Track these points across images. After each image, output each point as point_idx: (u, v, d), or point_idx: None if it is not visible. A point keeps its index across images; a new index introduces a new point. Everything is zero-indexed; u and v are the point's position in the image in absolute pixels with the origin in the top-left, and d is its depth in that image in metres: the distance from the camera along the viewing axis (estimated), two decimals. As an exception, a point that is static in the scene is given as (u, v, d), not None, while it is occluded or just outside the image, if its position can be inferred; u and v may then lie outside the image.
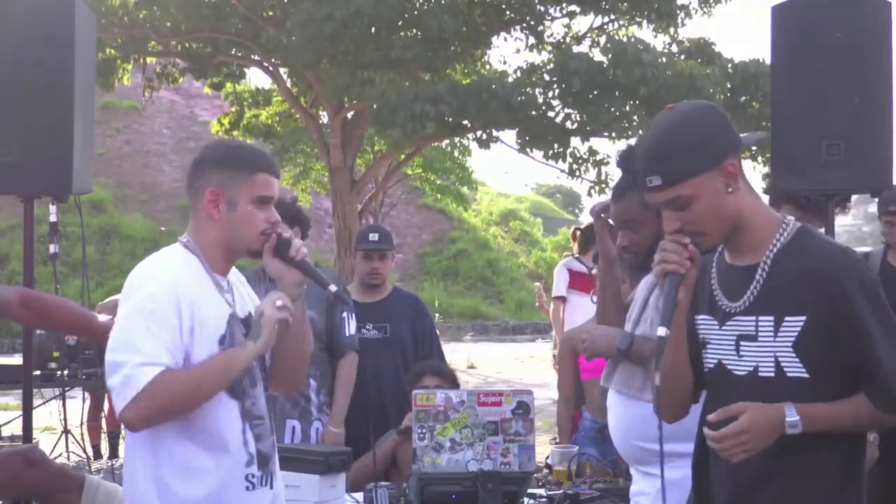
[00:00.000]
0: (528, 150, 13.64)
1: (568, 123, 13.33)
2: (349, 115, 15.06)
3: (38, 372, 7.06)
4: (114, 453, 8.36)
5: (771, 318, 2.22)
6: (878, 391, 2.17)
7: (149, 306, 2.48)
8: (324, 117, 16.05)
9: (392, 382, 4.92)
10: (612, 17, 14.59)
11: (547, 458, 4.36)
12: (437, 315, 19.06)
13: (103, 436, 8.79)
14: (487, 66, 15.81)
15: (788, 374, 2.20)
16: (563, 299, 7.43)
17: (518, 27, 14.77)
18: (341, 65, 13.01)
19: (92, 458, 7.71)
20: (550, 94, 13.07)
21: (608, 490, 3.87)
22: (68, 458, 7.33)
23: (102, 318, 3.42)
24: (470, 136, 14.64)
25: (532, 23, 14.60)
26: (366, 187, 16.87)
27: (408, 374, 4.72)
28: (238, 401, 2.58)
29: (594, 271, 4.79)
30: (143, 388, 2.39)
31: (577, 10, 14.48)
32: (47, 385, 7.53)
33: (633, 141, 10.91)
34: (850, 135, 4.09)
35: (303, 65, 13.65)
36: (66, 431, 7.08)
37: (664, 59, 12.56)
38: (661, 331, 2.19)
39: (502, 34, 14.92)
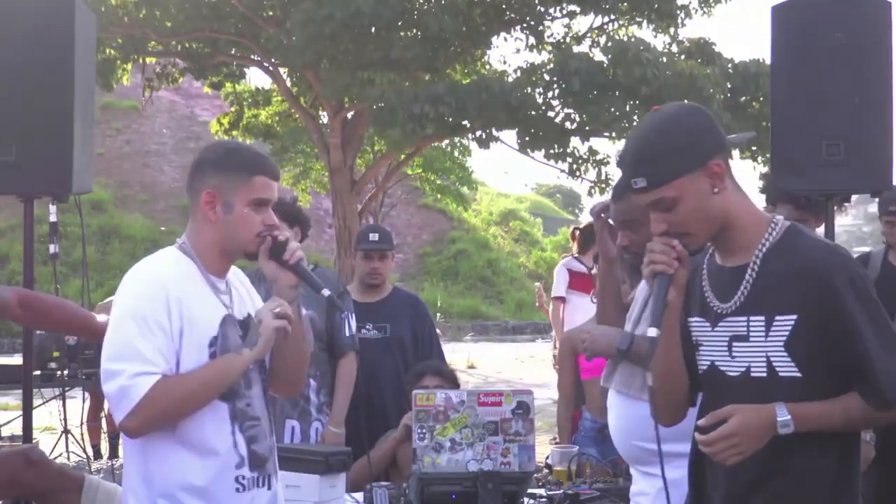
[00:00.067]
0: (528, 150, 13.65)
1: (568, 123, 13.34)
2: (349, 115, 15.07)
3: (38, 372, 7.06)
4: (114, 453, 8.36)
5: (762, 317, 2.22)
6: (870, 389, 2.16)
7: (139, 310, 2.48)
8: (324, 117, 16.05)
9: (392, 382, 4.92)
10: (613, 17, 14.59)
11: (547, 458, 4.36)
12: (437, 315, 19.09)
13: (103, 436, 8.79)
14: (487, 66, 15.81)
15: (780, 374, 2.20)
16: (562, 300, 7.43)
17: (518, 27, 14.77)
18: (341, 65, 13.01)
19: (92, 458, 7.71)
20: (550, 94, 13.08)
21: (608, 490, 3.86)
22: (68, 458, 7.34)
23: (101, 318, 3.41)
24: (470, 136, 14.64)
25: (532, 23, 14.60)
26: (366, 187, 16.87)
27: (408, 374, 4.72)
28: (228, 403, 2.58)
29: (594, 271, 4.79)
30: (141, 399, 2.41)
31: (577, 10, 14.48)
32: (47, 385, 7.53)
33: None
34: (850, 135, 4.09)
35: (303, 65, 13.66)
36: (66, 431, 7.09)
37: (664, 59, 12.56)
38: (652, 332, 2.19)
39: (502, 34, 14.93)
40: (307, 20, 12.27)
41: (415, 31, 13.31)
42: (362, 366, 4.75)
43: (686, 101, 11.77)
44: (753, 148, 13.08)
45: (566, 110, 13.28)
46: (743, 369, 2.25)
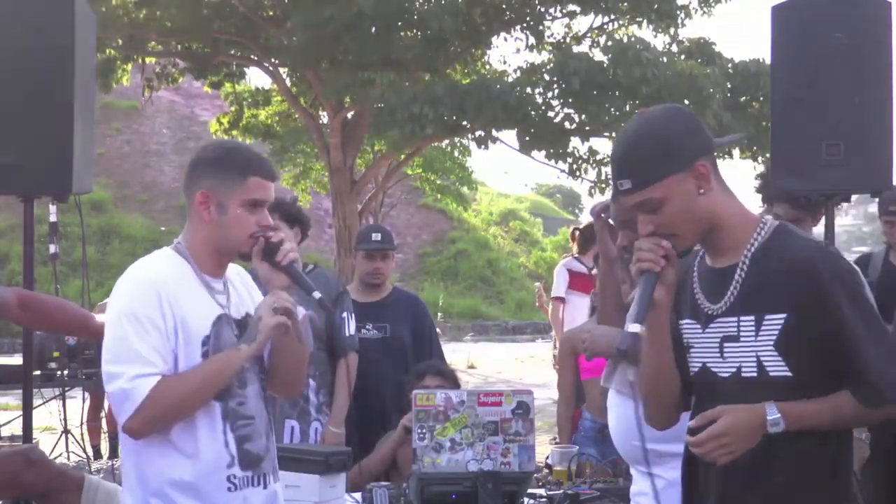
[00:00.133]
0: (528, 150, 13.64)
1: (567, 123, 13.33)
2: (349, 115, 15.06)
3: (38, 372, 7.05)
4: (114, 453, 8.35)
5: (752, 317, 2.22)
6: (861, 387, 2.16)
7: (132, 310, 2.50)
8: (324, 117, 16.05)
9: (392, 382, 4.92)
10: (613, 16, 14.58)
11: (547, 458, 4.36)
12: (438, 315, 19.08)
13: (103, 436, 8.80)
14: (487, 66, 15.81)
15: (771, 374, 2.20)
16: (562, 300, 7.43)
17: (518, 27, 14.76)
18: (341, 65, 13.02)
19: (92, 458, 7.72)
20: (550, 94, 13.07)
21: (608, 490, 3.86)
22: (68, 458, 7.34)
23: (101, 318, 3.40)
24: (469, 136, 14.64)
25: (532, 23, 14.59)
26: (366, 187, 16.86)
27: (409, 374, 4.71)
28: (220, 402, 2.59)
29: (594, 272, 4.79)
30: (142, 401, 2.43)
31: (577, 10, 14.48)
32: (47, 385, 7.53)
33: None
34: (850, 135, 4.09)
35: (303, 65, 13.66)
36: (66, 431, 7.10)
37: (664, 59, 12.56)
38: (635, 327, 2.19)
39: (502, 34, 14.92)
40: (307, 20, 12.27)
41: (415, 31, 13.31)
42: (362, 366, 4.75)
43: (686, 101, 11.81)
44: (754, 148, 13.07)
45: (566, 110, 13.27)
46: (734, 370, 2.25)
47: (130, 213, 25.59)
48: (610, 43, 13.06)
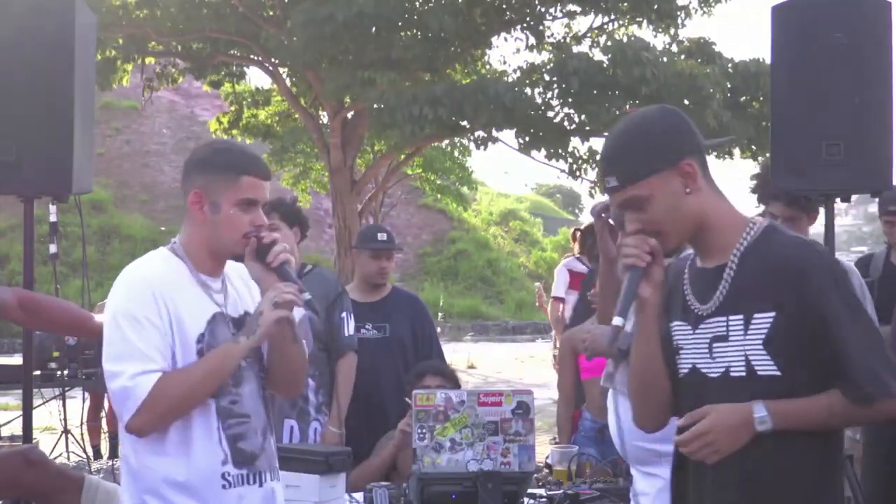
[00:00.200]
0: (528, 150, 13.64)
1: (567, 123, 13.33)
2: (349, 115, 15.06)
3: (38, 372, 7.05)
4: (114, 453, 8.34)
5: (740, 316, 2.22)
6: (850, 385, 2.15)
7: (129, 309, 2.51)
8: (324, 117, 16.04)
9: (391, 382, 4.92)
10: (612, 16, 14.57)
11: (547, 458, 4.36)
12: (438, 315, 19.08)
13: (103, 436, 8.80)
14: (487, 67, 15.81)
15: (759, 373, 2.19)
16: (562, 300, 7.43)
17: (518, 27, 14.76)
18: (342, 65, 13.01)
19: (92, 458, 7.72)
20: (550, 94, 13.07)
21: (608, 490, 3.86)
22: (68, 458, 7.34)
23: (101, 318, 3.41)
24: (469, 136, 14.64)
25: (532, 23, 14.59)
26: (366, 187, 16.85)
27: (409, 374, 4.71)
28: (214, 400, 2.59)
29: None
30: (145, 398, 2.45)
31: (577, 10, 14.48)
32: (47, 385, 7.53)
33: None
34: (850, 135, 4.08)
35: (303, 65, 13.65)
36: (66, 431, 7.10)
37: (664, 59, 12.55)
38: (617, 321, 2.20)
39: (502, 34, 14.91)
40: (308, 20, 12.26)
41: (415, 31, 13.30)
42: (362, 366, 4.75)
43: (686, 100, 11.81)
44: (754, 148, 13.07)
45: (566, 110, 13.27)
46: (723, 370, 2.25)
47: (130, 213, 25.59)
48: (610, 43, 13.05)
